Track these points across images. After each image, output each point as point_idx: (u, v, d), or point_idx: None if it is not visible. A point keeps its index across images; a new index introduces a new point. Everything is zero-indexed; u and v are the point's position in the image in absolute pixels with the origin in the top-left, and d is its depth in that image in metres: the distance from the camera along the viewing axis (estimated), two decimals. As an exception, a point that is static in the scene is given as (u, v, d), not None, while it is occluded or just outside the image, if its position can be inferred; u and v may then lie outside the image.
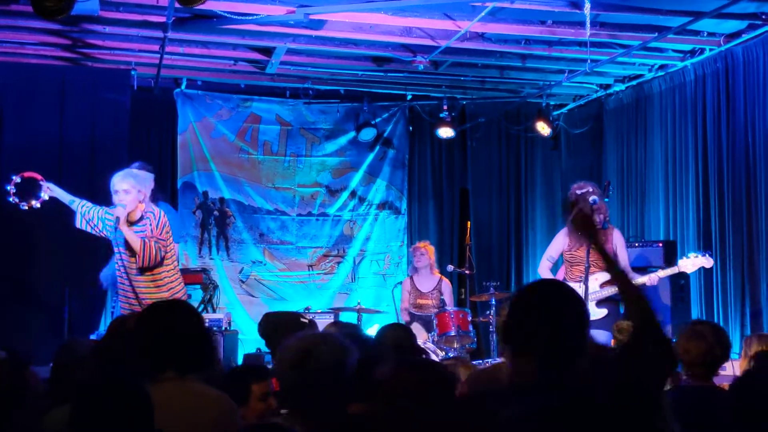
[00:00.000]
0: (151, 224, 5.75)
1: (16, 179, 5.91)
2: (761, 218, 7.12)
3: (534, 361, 2.25)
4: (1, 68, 7.82)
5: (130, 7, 6.67)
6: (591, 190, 6.55)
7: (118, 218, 5.64)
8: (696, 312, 7.80)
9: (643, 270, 7.21)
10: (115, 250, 5.86)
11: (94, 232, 5.99)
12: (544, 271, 6.87)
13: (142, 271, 5.76)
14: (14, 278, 7.53)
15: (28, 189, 5.92)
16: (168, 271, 5.91)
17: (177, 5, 5.72)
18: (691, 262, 6.48)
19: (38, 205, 5.91)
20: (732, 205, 7.48)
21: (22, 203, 5.87)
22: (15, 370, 2.45)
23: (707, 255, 6.54)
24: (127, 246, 5.74)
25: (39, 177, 5.95)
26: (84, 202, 6.00)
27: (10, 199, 5.86)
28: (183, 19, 6.93)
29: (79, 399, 2.22)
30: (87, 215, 5.91)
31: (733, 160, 7.47)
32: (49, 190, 5.93)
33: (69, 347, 3.28)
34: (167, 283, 5.88)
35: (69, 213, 6.10)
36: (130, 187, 5.72)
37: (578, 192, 6.61)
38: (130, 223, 5.74)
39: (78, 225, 5.97)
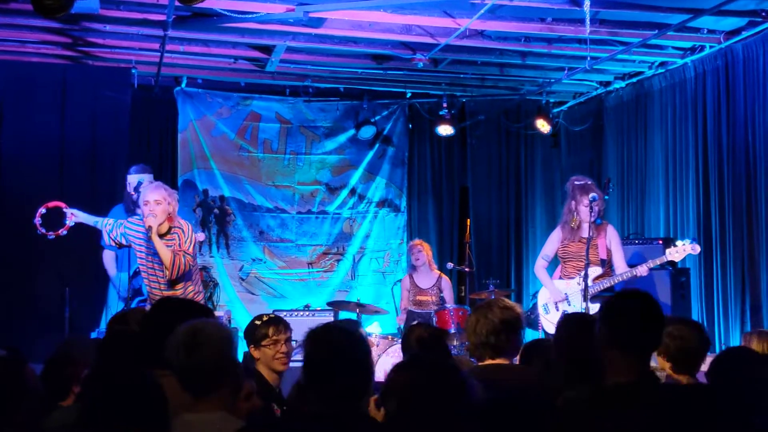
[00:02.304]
0: (179, 238, 5.79)
1: (42, 211, 6.08)
2: (761, 215, 7.13)
3: None
4: (1, 67, 7.83)
5: (131, 5, 6.68)
6: (590, 183, 6.59)
7: (150, 228, 5.67)
8: (696, 308, 7.81)
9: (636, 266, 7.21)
10: (145, 260, 5.87)
11: (118, 247, 6.13)
12: (539, 270, 6.89)
13: (171, 283, 5.79)
14: (15, 278, 7.54)
15: (54, 219, 6.09)
16: (194, 285, 5.98)
17: (177, 3, 5.73)
18: (677, 251, 6.49)
19: (65, 233, 6.07)
20: (732, 201, 7.48)
21: (50, 233, 6.04)
22: (14, 369, 2.46)
23: (694, 242, 6.55)
24: (159, 257, 5.76)
25: (63, 205, 6.12)
26: (106, 220, 6.13)
27: (39, 232, 6.03)
28: (183, 18, 6.93)
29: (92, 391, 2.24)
30: (112, 233, 6.02)
31: (733, 157, 7.48)
32: (74, 217, 6.09)
33: (66, 345, 3.29)
34: (193, 298, 5.91)
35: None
36: (162, 198, 5.76)
37: (577, 183, 6.64)
38: (160, 236, 5.75)
39: (106, 243, 6.19)
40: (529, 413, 2.12)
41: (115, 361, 2.87)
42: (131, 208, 6.78)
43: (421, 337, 4.08)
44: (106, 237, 6.07)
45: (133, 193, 6.77)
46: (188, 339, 2.69)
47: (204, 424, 2.57)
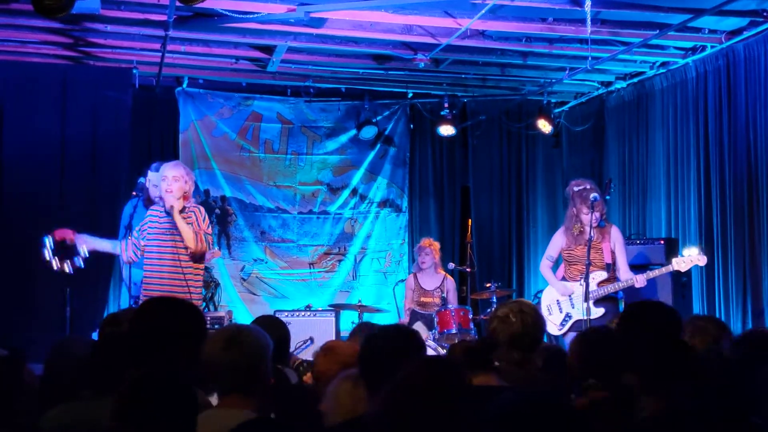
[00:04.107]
0: (197, 218, 5.79)
1: (49, 243, 5.79)
2: (763, 215, 7.12)
3: None
4: (2, 67, 7.83)
5: (132, 5, 6.68)
6: (589, 187, 6.56)
7: (172, 207, 5.66)
8: (697, 309, 7.79)
9: (644, 268, 7.20)
10: (161, 244, 5.79)
11: (140, 252, 5.92)
12: (545, 270, 6.89)
13: (195, 258, 5.78)
14: (16, 277, 7.54)
15: (64, 250, 5.86)
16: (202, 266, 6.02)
17: (178, 4, 5.73)
18: (683, 261, 6.47)
19: (82, 265, 5.85)
20: (733, 201, 7.47)
21: (65, 265, 5.82)
22: (11, 368, 2.46)
23: (701, 254, 6.53)
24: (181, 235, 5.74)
25: (68, 235, 5.84)
26: (121, 241, 5.98)
27: (55, 267, 5.78)
28: (184, 18, 6.93)
29: (128, 392, 2.28)
30: (128, 246, 5.87)
31: (734, 157, 7.47)
32: (86, 245, 5.89)
33: (62, 346, 3.28)
34: (201, 277, 6.02)
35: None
36: (180, 175, 5.76)
37: (575, 188, 6.62)
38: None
39: (126, 260, 5.95)
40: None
41: (108, 364, 2.87)
42: (147, 205, 6.68)
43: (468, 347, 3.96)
44: (132, 252, 5.86)
45: (155, 189, 6.60)
46: (230, 335, 2.82)
47: (227, 417, 2.60)
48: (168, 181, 5.73)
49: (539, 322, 3.68)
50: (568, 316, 6.59)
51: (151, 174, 6.70)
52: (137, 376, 2.29)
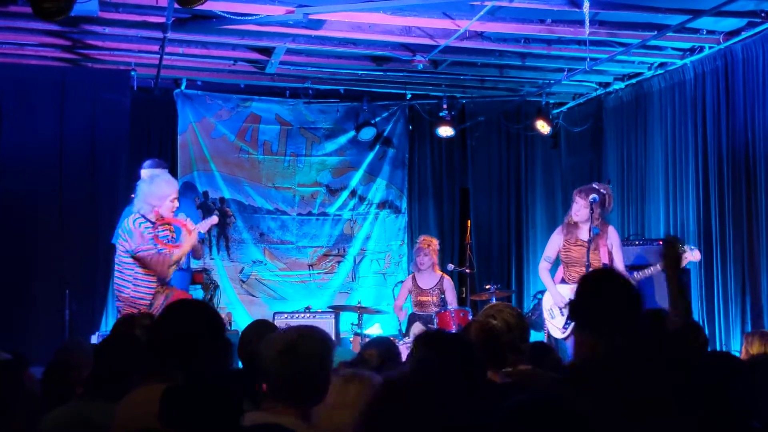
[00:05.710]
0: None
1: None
2: (761, 215, 7.12)
3: None
4: (1, 69, 7.82)
5: (130, 7, 6.68)
6: (596, 187, 6.61)
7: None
8: (696, 309, 7.79)
9: (643, 269, 7.20)
10: (156, 250, 6.06)
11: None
12: (543, 272, 6.89)
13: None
14: (15, 280, 7.53)
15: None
16: None
17: (176, 6, 5.72)
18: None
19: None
20: (732, 202, 7.48)
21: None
22: (14, 372, 2.46)
23: (695, 249, 6.54)
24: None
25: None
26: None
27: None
28: (182, 20, 6.93)
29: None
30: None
31: (733, 157, 7.47)
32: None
33: (66, 350, 3.29)
34: None
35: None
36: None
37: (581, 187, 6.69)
38: (162, 224, 6.19)
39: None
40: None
41: (112, 364, 2.86)
42: None
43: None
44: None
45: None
46: (287, 344, 2.69)
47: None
48: (175, 203, 6.22)
49: (512, 320, 3.73)
50: (570, 319, 6.58)
51: (143, 172, 6.99)
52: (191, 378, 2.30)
